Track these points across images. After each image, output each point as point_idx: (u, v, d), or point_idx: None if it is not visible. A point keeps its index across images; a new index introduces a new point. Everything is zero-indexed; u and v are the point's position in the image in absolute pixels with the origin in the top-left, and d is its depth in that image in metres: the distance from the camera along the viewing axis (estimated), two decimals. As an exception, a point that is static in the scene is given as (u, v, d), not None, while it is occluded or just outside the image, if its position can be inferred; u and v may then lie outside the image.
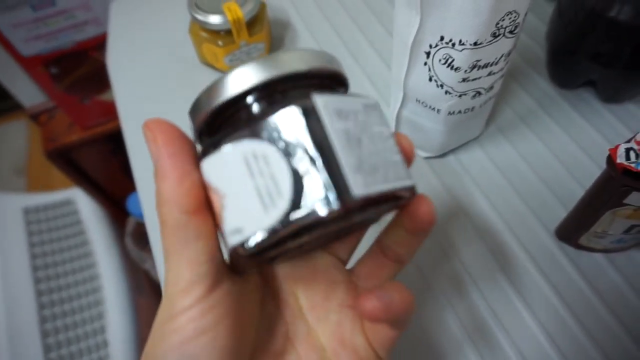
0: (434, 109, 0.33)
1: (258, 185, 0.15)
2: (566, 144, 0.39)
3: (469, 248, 0.34)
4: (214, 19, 0.41)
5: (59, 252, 0.75)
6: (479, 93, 0.32)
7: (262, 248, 0.15)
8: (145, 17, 0.53)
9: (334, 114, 0.15)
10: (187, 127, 0.18)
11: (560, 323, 0.31)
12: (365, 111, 0.17)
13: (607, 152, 0.26)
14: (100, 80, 0.80)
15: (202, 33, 0.43)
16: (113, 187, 0.97)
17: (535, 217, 0.35)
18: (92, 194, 0.88)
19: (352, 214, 0.15)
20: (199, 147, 0.18)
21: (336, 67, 0.18)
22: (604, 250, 0.33)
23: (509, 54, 0.30)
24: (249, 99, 0.16)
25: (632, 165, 0.25)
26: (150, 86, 0.47)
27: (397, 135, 0.19)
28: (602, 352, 0.30)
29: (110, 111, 0.84)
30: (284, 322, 0.21)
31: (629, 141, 0.26)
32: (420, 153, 0.39)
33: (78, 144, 0.86)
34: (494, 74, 0.31)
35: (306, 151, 0.14)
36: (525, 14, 0.28)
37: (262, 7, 0.44)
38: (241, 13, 0.41)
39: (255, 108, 0.16)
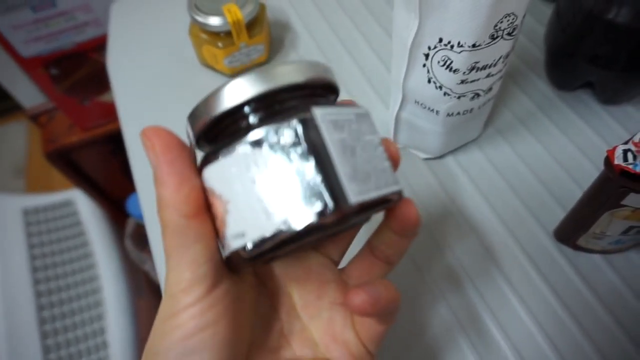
0: (432, 110, 0.33)
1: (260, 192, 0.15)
2: (564, 145, 0.39)
3: (467, 249, 0.34)
4: (214, 21, 0.41)
5: (58, 254, 0.75)
6: (478, 95, 0.32)
7: (263, 252, 0.16)
8: (145, 18, 0.53)
9: (331, 125, 0.16)
10: (184, 126, 0.18)
11: (558, 324, 0.31)
12: (357, 120, 0.18)
13: (605, 154, 0.26)
14: (100, 81, 0.80)
15: (202, 35, 0.43)
16: (113, 188, 0.97)
17: (534, 218, 0.35)
18: (92, 195, 0.88)
19: (348, 219, 0.16)
20: (198, 152, 0.18)
21: (330, 76, 0.19)
22: (602, 251, 0.33)
23: (507, 55, 0.30)
24: (250, 109, 0.17)
25: (630, 166, 0.25)
26: (150, 87, 0.47)
27: (384, 142, 0.20)
28: (600, 353, 0.30)
29: (110, 112, 0.84)
30: (279, 320, 0.22)
31: (626, 143, 0.26)
32: (419, 154, 0.39)
33: (78, 145, 0.86)
34: (492, 75, 0.31)
35: (307, 161, 0.15)
36: (524, 16, 0.28)
37: (262, 9, 0.44)
38: (241, 15, 0.41)
39: (256, 118, 0.17)
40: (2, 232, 0.74)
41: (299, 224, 0.15)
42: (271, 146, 0.15)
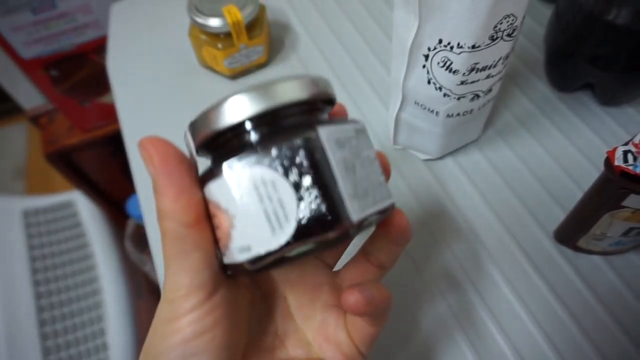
0: (432, 111, 0.33)
1: (266, 209, 0.16)
2: (564, 146, 0.39)
3: (467, 249, 0.34)
4: (214, 22, 0.41)
5: (58, 255, 0.75)
6: (478, 96, 0.32)
7: (267, 265, 0.17)
8: (146, 20, 0.53)
9: (334, 144, 0.17)
10: (184, 128, 0.18)
11: (559, 325, 0.31)
12: (356, 136, 0.19)
13: (605, 155, 0.26)
14: (100, 83, 0.80)
15: (202, 36, 0.43)
16: (113, 189, 0.97)
17: (534, 219, 0.35)
18: (92, 197, 0.88)
19: (350, 234, 0.17)
20: (197, 159, 0.19)
21: (331, 91, 0.19)
22: (603, 253, 0.33)
23: (507, 57, 0.30)
24: (254, 125, 0.17)
25: (630, 167, 0.25)
26: (150, 89, 0.47)
27: (377, 154, 0.21)
28: (601, 354, 0.30)
29: (110, 114, 0.84)
30: (274, 321, 0.23)
31: (626, 144, 0.26)
32: (419, 155, 0.39)
33: (78, 146, 0.86)
34: (492, 76, 0.31)
35: (311, 180, 0.16)
36: (523, 17, 0.28)
37: (262, 10, 0.44)
38: (241, 16, 0.41)
39: (261, 134, 0.17)
40: (2, 233, 0.74)
41: (303, 240, 0.16)
42: (277, 165, 0.16)
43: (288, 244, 0.16)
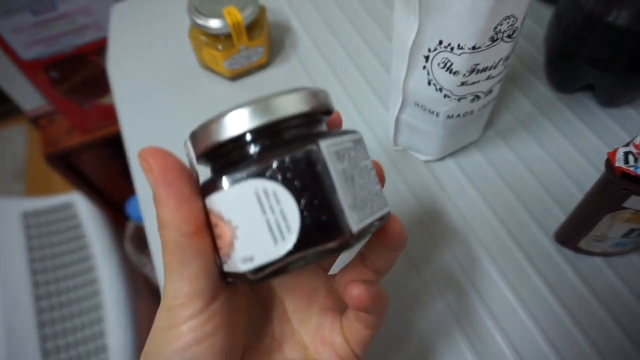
0: (433, 112, 0.33)
1: (269, 220, 0.16)
2: (565, 147, 0.39)
3: (467, 251, 0.34)
4: (214, 23, 0.41)
5: (58, 256, 0.75)
6: (478, 97, 0.32)
7: (269, 274, 0.17)
8: (146, 21, 0.53)
9: (335, 156, 0.17)
10: (186, 130, 0.18)
11: (559, 326, 0.31)
12: (354, 147, 0.19)
13: (606, 156, 0.26)
14: (100, 84, 0.80)
15: (202, 37, 0.43)
16: (112, 190, 0.97)
17: (534, 220, 0.35)
18: (92, 198, 0.88)
19: (350, 244, 0.17)
20: (197, 168, 0.19)
21: (330, 103, 0.20)
22: (603, 254, 0.33)
23: (507, 58, 0.30)
24: (256, 137, 0.17)
25: (631, 168, 0.25)
26: (150, 90, 0.47)
27: (372, 163, 0.22)
28: (601, 355, 0.29)
29: (109, 115, 0.84)
30: (271, 324, 0.23)
31: (627, 145, 0.26)
32: (419, 156, 0.39)
33: (78, 147, 0.86)
34: (492, 77, 0.31)
35: (313, 191, 0.16)
36: (523, 19, 0.28)
37: (262, 11, 0.44)
38: (241, 17, 0.41)
39: (262, 146, 0.17)
40: (2, 235, 0.74)
41: (304, 252, 0.16)
42: (279, 177, 0.16)
43: (290, 254, 0.16)
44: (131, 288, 0.77)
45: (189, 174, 0.18)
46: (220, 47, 0.42)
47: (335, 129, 0.21)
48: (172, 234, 0.17)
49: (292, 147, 0.17)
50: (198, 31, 0.43)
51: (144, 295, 0.81)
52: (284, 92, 0.18)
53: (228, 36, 0.42)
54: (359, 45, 0.48)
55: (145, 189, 0.40)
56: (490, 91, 0.32)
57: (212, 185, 0.17)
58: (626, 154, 0.25)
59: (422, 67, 0.31)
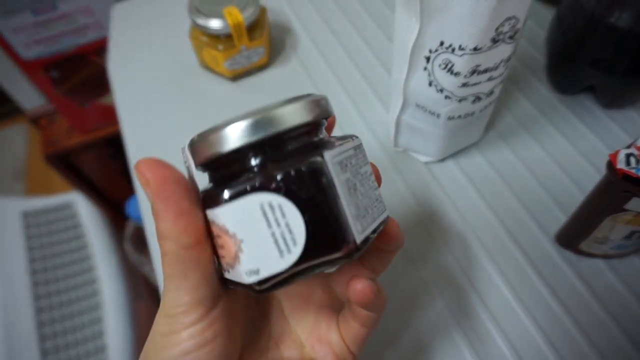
0: (433, 113, 0.33)
1: (275, 234, 0.16)
2: (566, 149, 0.39)
3: (467, 252, 0.34)
4: (215, 24, 0.41)
5: (57, 256, 0.75)
6: (479, 98, 0.32)
7: (274, 285, 0.17)
8: (146, 21, 0.53)
9: (338, 167, 0.17)
10: (186, 131, 0.18)
11: (559, 328, 0.31)
12: (355, 154, 0.19)
13: (607, 158, 0.26)
14: (100, 84, 0.80)
15: (203, 37, 0.43)
16: (112, 190, 0.97)
17: (535, 222, 0.35)
18: (92, 198, 0.88)
19: (354, 254, 0.17)
20: (196, 178, 0.18)
21: (330, 109, 0.20)
22: (605, 256, 0.33)
23: (508, 59, 0.30)
24: (260, 149, 0.17)
25: (633, 170, 0.25)
26: (151, 90, 0.47)
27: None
28: (602, 357, 0.29)
29: (110, 115, 0.84)
30: (268, 323, 0.23)
31: (629, 147, 0.26)
32: (420, 158, 0.39)
33: (78, 147, 0.86)
34: (493, 79, 0.31)
35: (318, 204, 0.16)
36: (525, 20, 0.28)
37: (263, 12, 0.44)
38: (242, 17, 0.41)
39: (266, 158, 0.17)
40: (1, 234, 0.74)
41: (309, 263, 0.17)
42: (284, 190, 0.16)
43: (295, 266, 0.16)
44: (130, 288, 0.77)
45: (187, 185, 0.17)
46: (220, 47, 0.42)
47: (335, 136, 0.21)
48: (172, 246, 0.17)
49: (296, 160, 0.16)
50: (199, 31, 0.43)
51: (144, 296, 0.81)
52: (285, 101, 0.18)
53: (229, 36, 0.42)
54: (359, 46, 0.48)
55: (145, 189, 0.40)
56: (491, 92, 0.32)
57: (214, 198, 0.17)
58: (628, 155, 0.25)
59: (423, 68, 0.31)
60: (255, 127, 0.17)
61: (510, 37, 0.28)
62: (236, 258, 0.17)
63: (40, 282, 0.71)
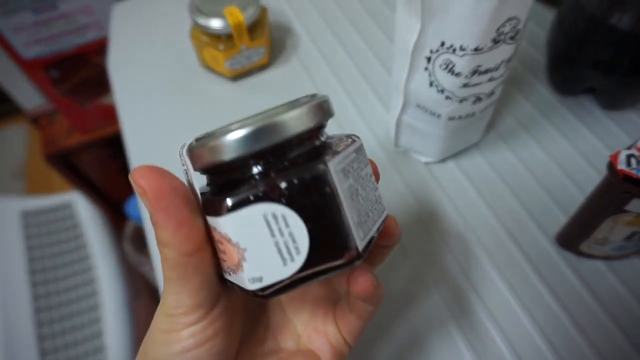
0: (434, 114, 0.33)
1: (278, 243, 0.16)
2: (566, 150, 0.39)
3: (468, 253, 0.34)
4: (215, 23, 0.41)
5: (56, 256, 0.75)
6: (480, 99, 0.32)
7: (277, 291, 0.17)
8: (147, 21, 0.53)
9: (341, 174, 0.17)
10: (187, 131, 0.18)
11: (559, 328, 0.31)
12: (357, 158, 0.19)
13: (608, 159, 0.26)
14: (100, 84, 0.80)
15: (203, 37, 0.43)
16: (112, 190, 0.96)
17: (535, 223, 0.35)
18: (91, 198, 0.87)
19: (356, 261, 0.17)
20: (195, 185, 0.18)
21: (332, 110, 0.19)
22: (605, 257, 0.33)
23: (509, 60, 0.30)
24: (263, 157, 0.17)
25: (633, 171, 0.25)
26: (151, 90, 0.47)
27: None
28: (601, 358, 0.29)
29: (110, 115, 0.84)
30: (266, 314, 0.23)
31: (629, 148, 0.26)
32: (421, 158, 0.39)
33: (78, 147, 0.86)
34: (494, 79, 0.31)
35: (322, 212, 0.16)
36: (526, 21, 0.28)
37: (263, 12, 0.44)
38: (242, 17, 0.41)
39: (269, 167, 0.17)
40: (1, 234, 0.74)
41: (312, 271, 0.17)
42: (288, 199, 0.16)
43: (298, 273, 0.17)
44: (130, 288, 0.77)
45: (185, 192, 0.17)
46: (221, 47, 0.42)
47: (337, 135, 0.20)
48: (172, 253, 0.17)
49: (300, 168, 0.16)
50: (199, 31, 0.43)
51: (143, 296, 0.81)
52: (288, 105, 0.17)
53: (229, 36, 0.42)
54: (359, 46, 0.48)
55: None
56: (492, 93, 0.32)
57: (215, 206, 0.17)
58: (628, 156, 0.25)
59: (424, 68, 0.30)
60: (258, 135, 0.16)
61: (511, 38, 0.28)
62: (239, 266, 0.17)
63: (39, 281, 0.71)
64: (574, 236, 0.32)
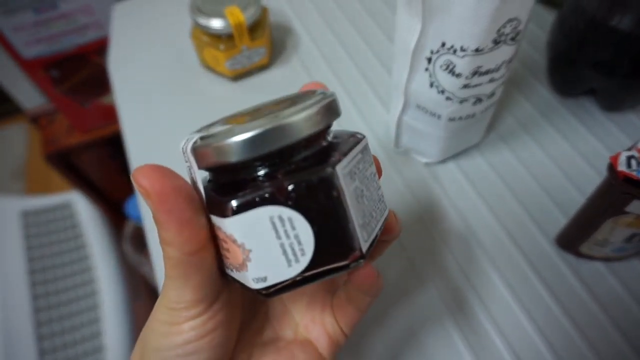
0: (435, 115, 0.33)
1: (283, 244, 0.16)
2: (566, 151, 0.39)
3: (468, 253, 0.34)
4: (216, 23, 0.41)
5: (56, 255, 0.75)
6: (480, 99, 0.32)
7: (280, 290, 0.17)
8: (147, 21, 0.53)
9: (348, 177, 0.17)
10: (187, 131, 0.18)
11: (559, 330, 0.30)
12: (362, 158, 0.19)
13: (608, 160, 0.26)
14: (100, 83, 0.80)
15: (204, 37, 0.43)
16: (112, 190, 0.96)
17: (535, 224, 0.35)
18: (91, 197, 0.87)
19: (360, 261, 0.18)
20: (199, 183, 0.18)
21: (339, 108, 0.19)
22: (605, 259, 0.33)
23: (510, 60, 0.30)
24: (270, 160, 0.17)
25: (634, 172, 0.25)
26: (151, 90, 0.47)
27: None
28: (603, 361, 0.29)
29: (110, 115, 0.84)
30: (264, 305, 0.24)
31: (630, 149, 0.26)
32: (421, 159, 0.39)
33: (78, 147, 0.86)
34: (495, 80, 0.31)
35: (328, 217, 0.16)
36: (527, 22, 0.28)
37: (264, 12, 0.44)
38: (243, 17, 0.41)
39: (275, 167, 0.17)
40: (0, 233, 0.74)
41: (316, 270, 0.17)
42: (295, 204, 0.16)
43: (302, 274, 0.17)
44: (129, 288, 0.76)
45: (188, 191, 0.17)
46: (222, 47, 0.42)
47: (341, 133, 0.20)
48: (175, 252, 0.17)
49: (308, 172, 0.16)
50: (200, 31, 0.43)
51: (142, 296, 0.81)
52: (291, 102, 0.17)
53: (230, 36, 0.42)
54: (360, 46, 0.48)
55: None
56: (492, 94, 0.32)
57: (220, 206, 0.16)
58: (629, 158, 0.25)
59: (424, 69, 0.30)
60: (267, 138, 0.16)
61: (512, 39, 0.28)
62: (243, 265, 0.17)
63: (39, 281, 0.71)
64: (574, 237, 0.32)
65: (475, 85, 0.30)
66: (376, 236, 0.19)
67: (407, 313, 0.32)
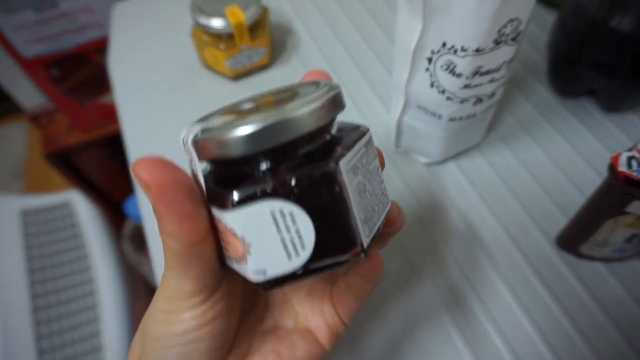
0: (435, 115, 0.33)
1: (284, 239, 0.16)
2: (567, 152, 0.39)
3: (468, 253, 0.34)
4: (217, 23, 0.41)
5: (55, 255, 0.75)
6: (481, 100, 0.32)
7: (280, 282, 0.17)
8: (147, 20, 0.53)
9: (351, 172, 0.17)
10: (187, 140, 0.17)
11: (559, 330, 0.30)
12: (366, 152, 0.19)
13: (608, 161, 0.26)
14: (100, 83, 0.80)
15: (204, 37, 0.43)
16: (111, 189, 0.96)
17: (536, 224, 0.35)
18: (91, 197, 0.87)
19: (362, 256, 0.18)
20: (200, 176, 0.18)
21: (344, 101, 0.19)
22: (605, 259, 0.33)
23: (510, 61, 0.30)
24: (272, 154, 0.16)
25: (634, 173, 0.25)
26: (152, 89, 0.47)
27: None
28: (603, 362, 0.29)
29: (110, 114, 0.84)
30: (264, 294, 0.24)
31: (630, 149, 0.26)
32: (421, 159, 0.39)
33: (77, 146, 0.86)
34: (495, 80, 0.31)
35: (330, 213, 0.16)
36: (528, 22, 0.28)
37: (264, 12, 0.44)
38: (243, 17, 0.41)
39: (277, 161, 0.17)
40: (0, 232, 0.74)
41: (316, 266, 0.17)
42: (296, 197, 0.16)
43: (302, 267, 0.17)
44: (128, 288, 0.76)
45: (189, 183, 0.17)
46: (222, 46, 0.42)
47: (344, 125, 0.20)
48: (175, 244, 0.17)
49: (310, 166, 0.16)
50: (200, 31, 0.43)
51: (142, 296, 0.81)
52: (293, 94, 0.17)
53: (230, 36, 0.42)
54: (360, 46, 0.48)
55: (145, 188, 0.40)
56: (493, 94, 0.32)
57: (221, 198, 0.16)
58: (629, 158, 0.25)
59: (425, 69, 0.30)
60: (271, 132, 0.15)
61: (513, 39, 0.28)
62: (243, 258, 0.17)
63: (38, 280, 0.71)
64: (574, 238, 0.32)
65: (476, 86, 0.30)
66: (378, 230, 0.19)
67: (407, 313, 0.32)
